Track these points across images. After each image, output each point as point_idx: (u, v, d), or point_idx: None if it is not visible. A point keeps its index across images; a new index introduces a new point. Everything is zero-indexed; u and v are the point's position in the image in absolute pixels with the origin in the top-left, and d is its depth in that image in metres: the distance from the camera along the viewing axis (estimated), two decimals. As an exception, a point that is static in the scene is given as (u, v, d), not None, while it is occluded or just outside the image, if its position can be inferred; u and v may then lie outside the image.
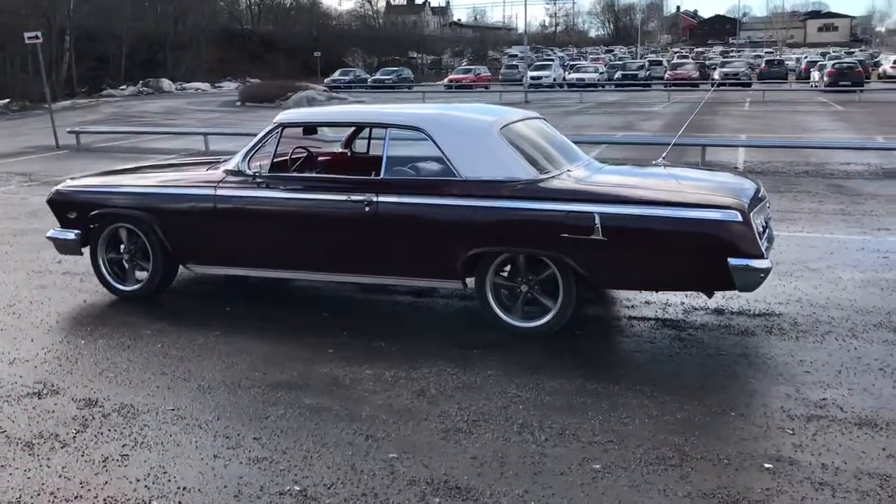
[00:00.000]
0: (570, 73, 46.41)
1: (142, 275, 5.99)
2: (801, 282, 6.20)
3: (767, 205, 5.39)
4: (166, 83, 46.53)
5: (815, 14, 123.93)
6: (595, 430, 3.79)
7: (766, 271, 4.53)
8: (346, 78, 48.27)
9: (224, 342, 5.05)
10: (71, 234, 6.05)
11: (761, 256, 4.54)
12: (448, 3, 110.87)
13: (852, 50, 74.95)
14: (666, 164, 5.91)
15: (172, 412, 4.04)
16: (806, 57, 56.68)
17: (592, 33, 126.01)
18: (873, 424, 3.80)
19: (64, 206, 6.12)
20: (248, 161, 5.61)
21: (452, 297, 5.98)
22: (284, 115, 5.78)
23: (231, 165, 5.70)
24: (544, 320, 4.99)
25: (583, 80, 42.71)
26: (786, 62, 51.67)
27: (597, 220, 4.64)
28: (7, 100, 31.98)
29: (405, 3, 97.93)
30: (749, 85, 40.24)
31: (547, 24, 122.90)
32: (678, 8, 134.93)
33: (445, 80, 48.26)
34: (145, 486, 3.32)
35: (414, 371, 4.53)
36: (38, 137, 19.50)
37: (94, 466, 3.50)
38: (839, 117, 22.62)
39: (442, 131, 5.17)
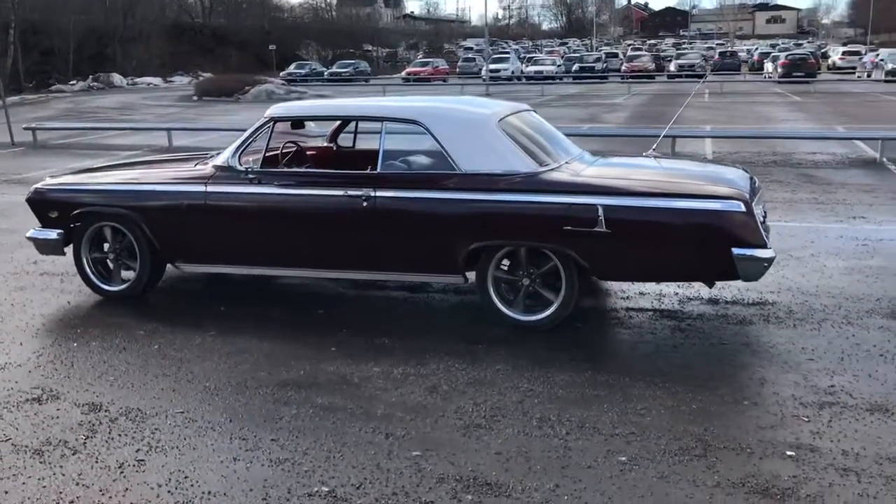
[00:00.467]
0: (528, 66, 46.47)
1: (128, 274, 5.84)
2: (788, 270, 6.29)
3: (762, 195, 5.45)
4: (117, 78, 45.62)
5: (764, 6, 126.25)
6: (614, 422, 3.80)
7: (770, 261, 4.58)
8: (302, 71, 47.79)
9: (222, 342, 4.95)
10: (53, 234, 5.87)
11: (764, 246, 4.59)
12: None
13: (800, 42, 76.49)
14: (656, 156, 5.95)
15: (182, 415, 3.94)
16: (757, 48, 57.59)
17: (545, 26, 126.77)
18: (885, 410, 3.87)
19: (44, 205, 5.93)
20: (239, 156, 5.50)
21: (447, 291, 5.94)
22: (276, 109, 5.67)
23: (221, 161, 5.57)
24: (547, 313, 4.98)
25: (541, 72, 42.84)
26: (738, 54, 52.45)
27: (600, 212, 4.64)
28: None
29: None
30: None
31: (500, 16, 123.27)
32: (629, 0, 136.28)
33: (403, 74, 47.89)
34: (168, 492, 3.23)
35: (422, 367, 4.49)
36: (-11, 135, 18.90)
37: (111, 473, 3.39)
38: (797, 107, 23.07)
39: (440, 124, 5.12)
